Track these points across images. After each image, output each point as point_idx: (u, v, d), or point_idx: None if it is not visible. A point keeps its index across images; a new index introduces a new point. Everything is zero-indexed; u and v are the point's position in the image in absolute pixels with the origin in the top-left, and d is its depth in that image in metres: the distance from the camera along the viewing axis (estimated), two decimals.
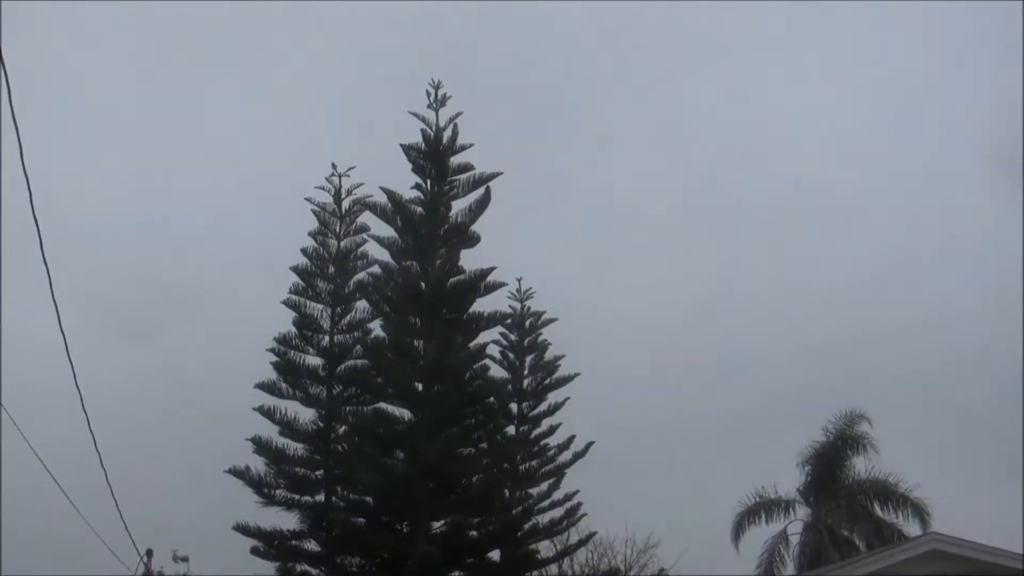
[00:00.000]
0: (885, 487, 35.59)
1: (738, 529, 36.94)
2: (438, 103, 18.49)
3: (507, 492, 18.71)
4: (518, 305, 20.36)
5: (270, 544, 17.94)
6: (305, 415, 18.52)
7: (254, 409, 18.29)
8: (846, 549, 33.55)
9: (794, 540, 37.03)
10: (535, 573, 19.47)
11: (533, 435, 19.62)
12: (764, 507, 36.92)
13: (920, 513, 34.26)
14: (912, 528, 33.15)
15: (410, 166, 18.35)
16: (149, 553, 24.45)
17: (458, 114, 18.52)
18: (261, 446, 18.06)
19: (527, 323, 20.27)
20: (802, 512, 37.44)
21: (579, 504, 19.02)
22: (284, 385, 18.62)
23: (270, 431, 18.28)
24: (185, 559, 26.44)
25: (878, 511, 35.90)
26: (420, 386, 17.39)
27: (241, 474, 18.04)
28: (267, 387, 18.55)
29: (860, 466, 36.95)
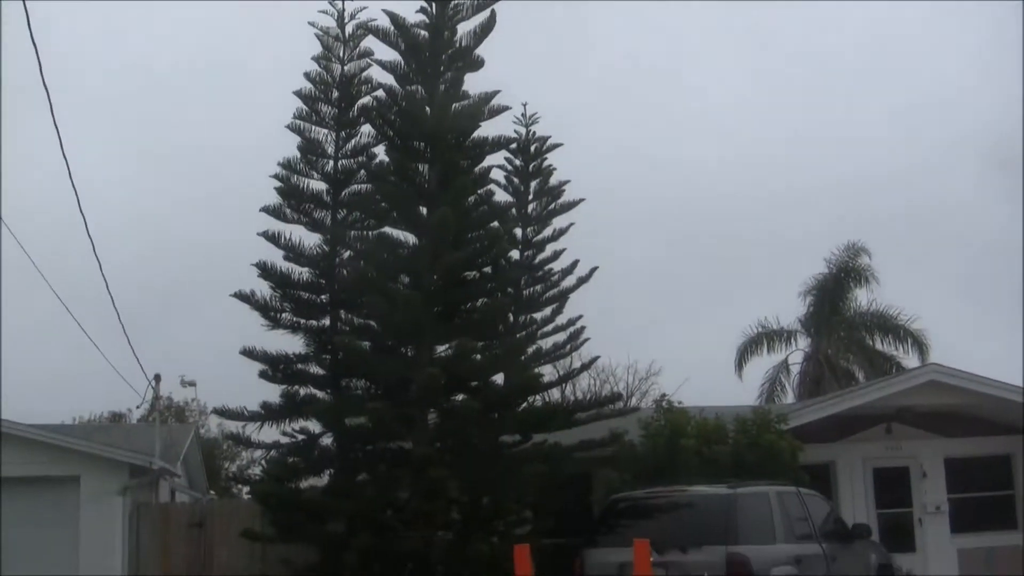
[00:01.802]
0: (885, 319, 36.11)
1: (741, 359, 37.65)
2: None
3: (511, 317, 18.74)
4: (523, 130, 20.12)
5: (276, 368, 18.09)
6: (310, 240, 18.52)
7: (259, 234, 18.24)
8: (845, 380, 34.25)
9: (795, 370, 37.80)
10: (538, 397, 19.70)
11: (537, 260, 19.57)
12: (766, 337, 37.58)
13: (919, 345, 34.86)
14: (911, 362, 33.74)
15: None
16: (157, 378, 24.92)
17: None
18: (266, 271, 18.06)
19: (532, 148, 20.06)
20: (803, 343, 38.16)
21: (582, 329, 19.10)
22: (288, 210, 18.51)
23: (275, 256, 18.30)
24: (192, 384, 26.94)
25: (878, 343, 36.50)
26: (424, 211, 17.32)
27: (247, 298, 18.09)
28: (272, 211, 18.48)
29: (861, 298, 37.49)
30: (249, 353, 17.90)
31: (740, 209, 65.91)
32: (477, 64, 17.84)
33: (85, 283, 22.76)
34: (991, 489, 23.06)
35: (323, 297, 18.41)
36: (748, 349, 37.54)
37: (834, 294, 36.94)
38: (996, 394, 21.42)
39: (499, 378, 18.37)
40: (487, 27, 17.71)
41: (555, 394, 28.72)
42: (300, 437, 18.07)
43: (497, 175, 19.47)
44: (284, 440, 18.11)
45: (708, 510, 14.38)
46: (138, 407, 37.92)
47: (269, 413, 17.85)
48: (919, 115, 69.65)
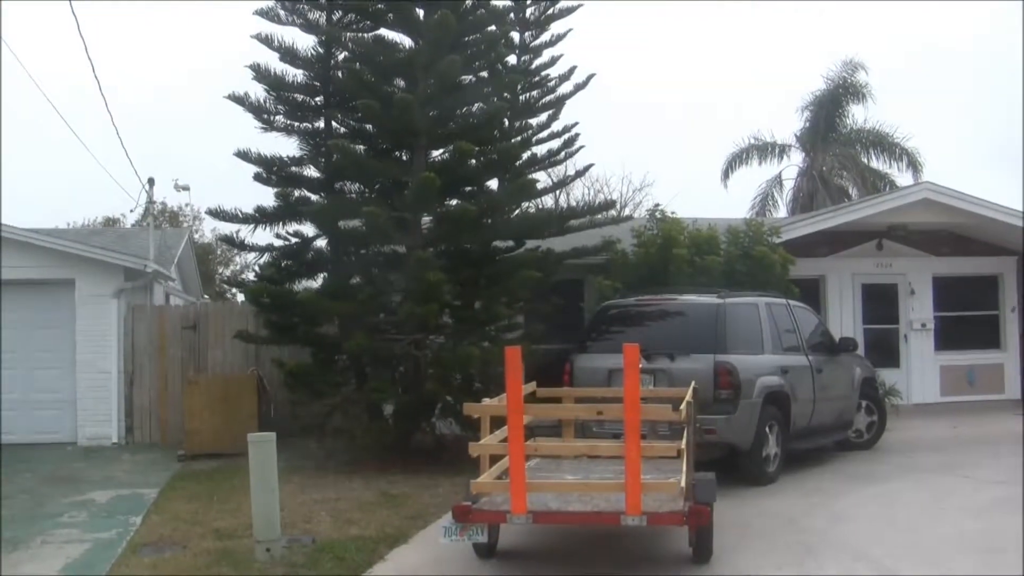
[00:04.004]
0: (880, 137, 36.05)
1: (728, 168, 37.63)
2: None
3: (506, 122, 18.58)
4: None
5: (270, 170, 17.93)
6: (304, 42, 18.23)
7: (252, 36, 17.89)
8: (839, 196, 34.32)
9: (788, 185, 37.84)
10: (532, 203, 19.68)
11: (534, 65, 19.29)
12: (757, 150, 37.53)
13: (913, 164, 34.93)
14: (905, 180, 33.87)
15: None
16: (151, 182, 24.91)
17: None
18: (260, 72, 17.71)
19: None
20: (797, 158, 38.09)
21: (577, 136, 18.94)
22: (282, 12, 18.08)
23: (269, 58, 18.02)
24: (186, 188, 26.96)
25: (872, 161, 36.51)
26: (421, 12, 16.99)
27: (240, 100, 17.81)
28: (265, 14, 18.06)
29: (858, 115, 37.29)
30: (243, 156, 17.70)
31: (741, 26, 65.05)
32: None
33: (79, 87, 22.57)
34: (977, 308, 23.39)
35: (318, 99, 18.17)
36: (736, 160, 37.42)
37: (831, 110, 36.72)
38: (987, 214, 21.50)
39: (494, 184, 18.35)
40: None
41: (549, 201, 28.75)
42: (294, 240, 18.07)
43: None
44: (278, 243, 18.09)
45: (697, 318, 14.46)
46: (132, 211, 38.07)
47: (263, 216, 17.77)
48: None
